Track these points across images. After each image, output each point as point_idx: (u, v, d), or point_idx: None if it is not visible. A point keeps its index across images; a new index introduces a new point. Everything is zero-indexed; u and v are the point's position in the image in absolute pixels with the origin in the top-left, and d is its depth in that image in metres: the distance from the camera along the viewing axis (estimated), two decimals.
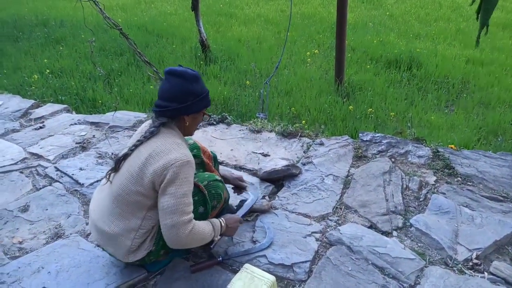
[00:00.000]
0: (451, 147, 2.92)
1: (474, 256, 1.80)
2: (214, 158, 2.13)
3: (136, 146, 1.63)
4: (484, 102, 4.66)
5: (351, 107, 4.38)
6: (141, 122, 3.34)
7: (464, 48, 6.59)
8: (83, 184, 2.49)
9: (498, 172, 2.35)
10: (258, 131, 3.03)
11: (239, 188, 2.18)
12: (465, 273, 1.73)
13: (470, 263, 1.77)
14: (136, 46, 2.71)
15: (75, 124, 3.35)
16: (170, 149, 1.56)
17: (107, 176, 1.69)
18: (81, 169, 2.64)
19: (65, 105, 3.81)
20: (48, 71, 5.14)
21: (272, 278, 1.64)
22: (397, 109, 4.45)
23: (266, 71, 5.57)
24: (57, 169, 2.65)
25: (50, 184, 2.51)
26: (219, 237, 1.78)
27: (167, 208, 1.53)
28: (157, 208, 1.61)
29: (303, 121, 3.96)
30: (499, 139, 3.82)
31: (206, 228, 1.64)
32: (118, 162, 1.66)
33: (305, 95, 4.74)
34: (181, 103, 1.62)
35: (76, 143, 2.99)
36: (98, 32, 6.65)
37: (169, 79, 1.64)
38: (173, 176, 1.52)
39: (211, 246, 1.88)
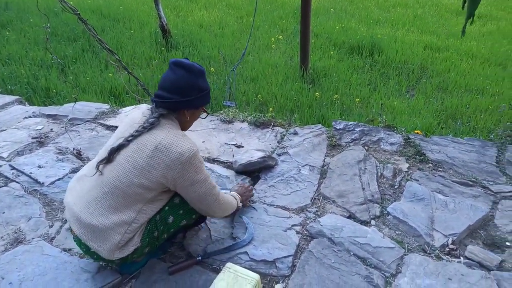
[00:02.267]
0: (417, 133, 3.00)
1: (450, 241, 1.85)
2: None
3: (134, 136, 1.54)
4: (442, 87, 4.84)
5: (317, 93, 4.39)
6: (103, 113, 3.13)
7: (421, 34, 6.80)
8: (43, 183, 2.30)
9: (466, 157, 2.43)
10: (230, 121, 2.94)
11: None
12: (443, 258, 1.78)
13: (447, 249, 1.82)
14: (96, 32, 2.50)
15: (30, 117, 3.08)
16: (178, 141, 1.52)
17: (98, 167, 1.56)
18: (39, 166, 2.43)
19: (17, 96, 3.49)
20: None
21: (256, 276, 1.59)
22: (361, 95, 4.52)
23: (230, 57, 5.45)
24: (13, 168, 2.43)
25: (6, 185, 2.29)
26: (241, 204, 1.96)
27: (203, 193, 1.60)
28: (154, 202, 1.58)
29: (270, 109, 3.92)
30: (457, 123, 3.99)
31: (230, 198, 1.83)
32: (112, 153, 1.55)
33: (271, 81, 4.69)
34: (184, 97, 1.57)
35: (33, 138, 2.75)
36: (49, 16, 6.16)
37: (175, 70, 1.57)
38: (192, 167, 1.53)
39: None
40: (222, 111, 3.09)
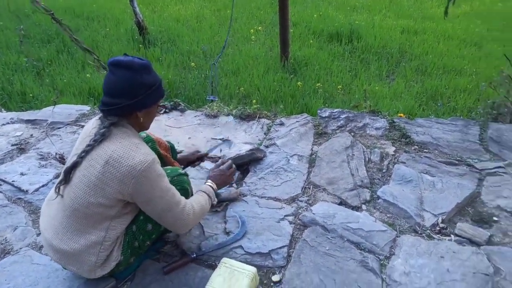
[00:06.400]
0: (400, 116, 3.03)
1: (439, 220, 1.89)
2: (171, 148, 1.99)
3: (86, 152, 1.43)
4: (421, 70, 4.90)
5: (299, 83, 4.39)
6: (84, 115, 3.05)
7: (398, 18, 6.86)
8: (27, 190, 2.23)
9: (450, 137, 2.48)
10: (215, 116, 2.91)
11: (200, 158, 2.14)
12: (434, 238, 1.81)
13: (437, 228, 1.86)
14: (72, 32, 2.43)
15: (8, 123, 2.97)
16: (130, 152, 1.40)
17: (57, 190, 1.48)
18: (22, 174, 2.36)
19: None
20: None
21: (253, 269, 1.59)
22: (343, 82, 4.55)
23: (210, 51, 5.39)
24: None
25: None
26: (216, 200, 1.77)
27: (161, 210, 1.46)
28: (121, 216, 1.49)
29: (254, 101, 3.91)
30: (438, 104, 4.06)
31: (202, 200, 1.63)
32: (68, 172, 1.45)
33: (252, 73, 4.67)
34: (132, 99, 1.43)
35: (12, 145, 2.66)
36: (20, 18, 5.97)
37: (115, 71, 1.43)
38: (147, 181, 1.40)
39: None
40: (206, 106, 3.05)
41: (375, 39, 5.69)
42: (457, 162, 2.27)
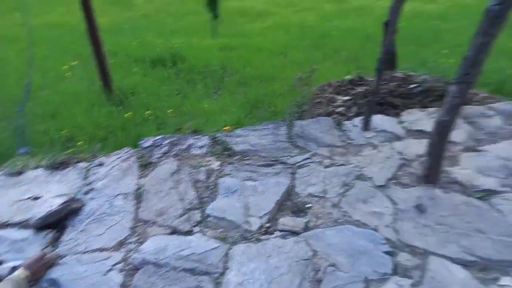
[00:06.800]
0: (226, 129, 3.18)
1: (264, 221, 2.01)
2: None
3: None
4: (242, 82, 5.29)
5: (129, 114, 4.20)
6: None
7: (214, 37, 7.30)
8: None
9: (265, 142, 2.69)
10: (20, 173, 2.51)
11: None
12: (261, 239, 1.91)
13: (263, 229, 1.97)
14: None
15: None
16: None
17: None
18: None
19: None
20: None
21: None
22: (173, 105, 4.55)
23: (18, 97, 4.72)
24: None
25: None
26: None
27: None
28: None
29: (80, 142, 3.56)
30: (260, 111, 4.43)
31: None
32: None
33: (74, 113, 4.27)
34: None
35: None
36: None
37: None
38: None
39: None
40: (5, 164, 2.61)
41: (197, 59, 5.89)
42: (272, 162, 2.47)
